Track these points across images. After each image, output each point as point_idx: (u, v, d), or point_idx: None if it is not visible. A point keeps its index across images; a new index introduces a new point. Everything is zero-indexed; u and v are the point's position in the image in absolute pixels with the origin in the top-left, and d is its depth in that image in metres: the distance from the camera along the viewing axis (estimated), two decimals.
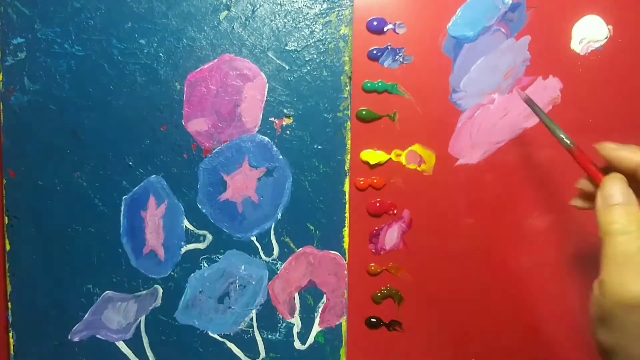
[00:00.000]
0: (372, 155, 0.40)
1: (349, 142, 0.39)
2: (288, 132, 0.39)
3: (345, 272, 0.40)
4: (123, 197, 0.39)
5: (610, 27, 0.39)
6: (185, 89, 0.38)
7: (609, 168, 0.28)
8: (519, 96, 0.35)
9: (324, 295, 0.40)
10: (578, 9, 0.39)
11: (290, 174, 0.39)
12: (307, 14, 0.38)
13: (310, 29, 0.38)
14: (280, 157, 0.39)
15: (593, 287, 0.28)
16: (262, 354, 0.41)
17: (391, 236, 0.41)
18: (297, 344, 0.41)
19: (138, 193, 0.40)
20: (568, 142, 0.30)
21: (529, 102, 0.34)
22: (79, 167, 0.39)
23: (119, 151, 0.39)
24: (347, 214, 0.39)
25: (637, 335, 0.26)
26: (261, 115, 0.39)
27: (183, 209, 0.40)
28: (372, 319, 0.41)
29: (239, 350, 0.41)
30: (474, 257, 0.41)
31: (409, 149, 0.40)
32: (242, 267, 0.40)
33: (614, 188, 0.27)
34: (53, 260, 0.40)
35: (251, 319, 0.40)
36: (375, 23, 0.39)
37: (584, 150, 0.29)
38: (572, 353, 0.43)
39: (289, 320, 0.41)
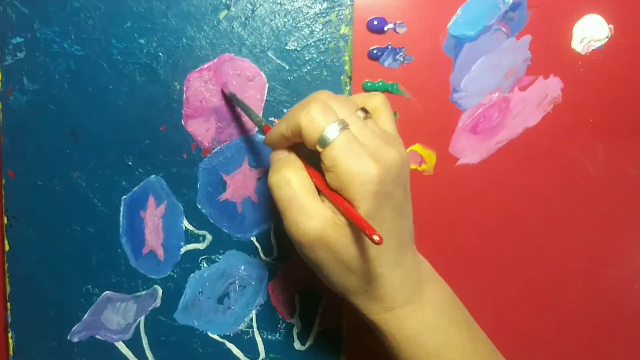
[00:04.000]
0: None
1: None
2: None
3: None
4: (122, 197, 0.39)
5: (611, 26, 0.39)
6: (184, 88, 0.38)
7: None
8: (225, 91, 0.38)
9: (324, 296, 0.40)
10: (579, 8, 0.39)
11: None
12: (307, 13, 0.38)
13: (310, 29, 0.38)
14: None
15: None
16: (262, 354, 0.41)
17: None
18: (297, 345, 0.41)
19: (137, 193, 0.39)
20: (262, 123, 0.33)
21: (233, 97, 0.37)
22: (78, 167, 0.39)
23: (118, 151, 0.39)
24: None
25: (336, 267, 0.28)
26: (261, 115, 0.39)
27: (183, 209, 0.39)
28: None
29: (238, 350, 0.41)
30: (475, 256, 0.41)
31: (410, 148, 0.40)
32: (242, 268, 0.40)
33: (274, 150, 0.30)
34: (52, 260, 0.40)
35: (251, 320, 0.40)
36: (375, 22, 0.39)
37: None
38: (572, 354, 0.43)
39: (288, 321, 0.40)
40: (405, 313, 0.30)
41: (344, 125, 0.27)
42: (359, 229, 0.27)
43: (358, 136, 0.27)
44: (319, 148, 0.27)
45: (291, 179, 0.28)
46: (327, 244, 0.27)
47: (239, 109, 0.38)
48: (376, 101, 0.31)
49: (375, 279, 0.29)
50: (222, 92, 0.38)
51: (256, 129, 0.39)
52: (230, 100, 0.38)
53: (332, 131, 0.26)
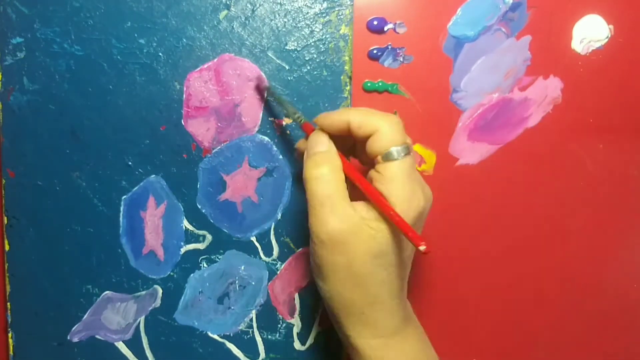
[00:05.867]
0: None
1: None
2: (288, 132, 0.39)
3: None
4: (122, 197, 0.39)
5: (611, 26, 0.39)
6: (184, 88, 0.38)
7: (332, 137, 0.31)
8: (260, 85, 0.37)
9: None
10: (579, 8, 0.39)
11: (290, 174, 0.39)
12: (307, 13, 0.38)
13: (310, 29, 0.38)
14: (280, 157, 0.39)
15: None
16: (262, 354, 0.41)
17: None
18: (297, 345, 0.41)
19: (137, 193, 0.39)
20: (301, 120, 0.33)
21: (269, 89, 0.37)
22: (78, 167, 0.39)
23: (118, 151, 0.39)
24: None
25: (345, 276, 0.28)
26: (261, 115, 0.39)
27: (182, 209, 0.39)
28: None
29: (238, 350, 0.41)
30: (474, 256, 0.41)
31: None
32: (242, 268, 0.40)
33: (315, 139, 0.30)
34: (52, 260, 0.40)
35: (251, 320, 0.40)
36: (375, 22, 0.39)
37: None
38: (572, 354, 0.43)
39: (288, 321, 0.40)
40: (391, 342, 0.30)
41: (410, 151, 0.28)
42: (403, 235, 0.27)
43: (414, 165, 0.29)
44: (380, 159, 0.28)
45: (330, 178, 0.28)
46: (348, 250, 0.28)
47: (267, 102, 0.38)
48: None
49: (376, 302, 0.29)
50: (257, 85, 0.38)
51: (257, 129, 0.39)
52: (262, 92, 0.37)
53: (400, 151, 0.28)
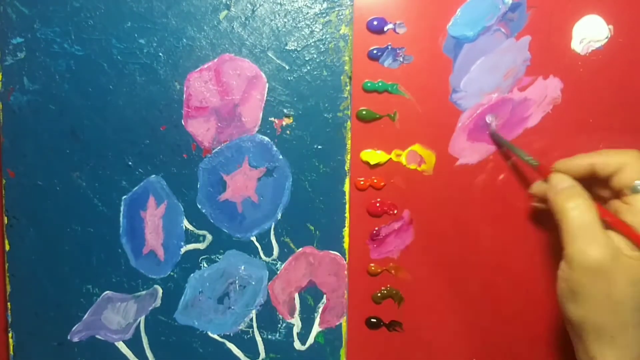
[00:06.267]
0: (372, 155, 0.40)
1: (349, 142, 0.39)
2: (288, 132, 0.39)
3: (345, 272, 0.40)
4: (122, 197, 0.39)
5: (611, 26, 0.39)
6: (184, 88, 0.38)
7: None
8: (488, 128, 0.40)
9: (324, 296, 0.40)
10: (578, 8, 0.39)
11: (290, 174, 0.39)
12: (307, 13, 0.38)
13: (310, 29, 0.38)
14: (280, 157, 0.39)
15: (560, 266, 0.31)
16: (262, 354, 0.41)
17: (391, 236, 0.41)
18: (297, 345, 0.41)
19: (137, 193, 0.39)
20: (534, 162, 0.36)
21: (495, 135, 0.39)
22: (78, 167, 0.39)
23: (118, 151, 0.39)
24: (347, 214, 0.39)
25: (602, 302, 0.29)
26: (261, 115, 0.39)
27: (183, 209, 0.40)
28: (372, 319, 0.41)
29: (238, 350, 0.41)
30: (474, 257, 0.41)
31: (409, 148, 0.40)
32: (242, 268, 0.40)
33: (559, 177, 0.33)
34: (52, 260, 0.40)
35: (251, 320, 0.40)
36: (375, 23, 0.39)
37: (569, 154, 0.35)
38: (572, 354, 0.43)
39: (289, 321, 0.40)
40: None
41: None
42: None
43: None
44: (628, 191, 0.30)
45: (587, 208, 0.30)
46: (609, 277, 0.29)
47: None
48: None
49: (630, 327, 0.30)
50: (490, 133, 0.40)
51: (257, 129, 0.39)
52: (496, 138, 0.40)
53: None
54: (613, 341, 0.30)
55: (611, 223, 0.31)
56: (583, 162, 0.33)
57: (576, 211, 0.30)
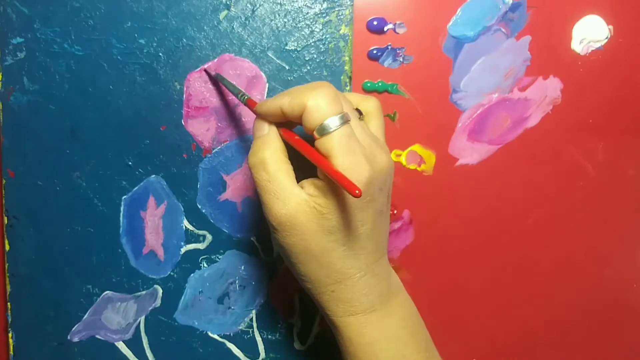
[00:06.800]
0: None
1: None
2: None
3: None
4: (123, 197, 0.39)
5: (611, 27, 0.39)
6: (185, 88, 0.38)
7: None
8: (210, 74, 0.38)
9: None
10: (578, 8, 0.39)
11: None
12: (307, 13, 0.38)
13: (310, 29, 0.38)
14: None
15: None
16: (262, 354, 0.41)
17: (391, 236, 0.41)
18: (297, 345, 0.41)
19: (138, 193, 0.39)
20: (244, 97, 0.33)
21: (218, 76, 0.37)
22: (78, 167, 0.39)
23: (118, 151, 0.39)
24: None
25: (304, 258, 0.28)
26: None
27: (183, 209, 0.40)
28: None
29: (238, 350, 0.41)
30: (475, 257, 0.41)
31: (409, 149, 0.40)
32: (242, 268, 0.40)
33: (255, 125, 0.30)
34: (52, 260, 0.40)
35: (251, 320, 0.40)
36: (375, 23, 0.39)
37: None
38: (572, 354, 0.43)
39: (288, 321, 0.40)
40: (367, 320, 0.30)
41: (346, 120, 0.27)
42: (338, 188, 0.26)
43: (356, 134, 0.27)
44: (315, 134, 0.27)
45: (269, 162, 0.28)
46: (298, 230, 0.27)
47: (223, 87, 0.38)
48: (371, 105, 0.31)
49: (344, 279, 0.29)
50: (207, 72, 0.38)
51: None
52: (215, 81, 0.38)
53: (334, 122, 0.26)
54: (335, 295, 0.29)
55: (307, 156, 0.27)
56: (274, 104, 0.28)
57: (259, 167, 0.28)
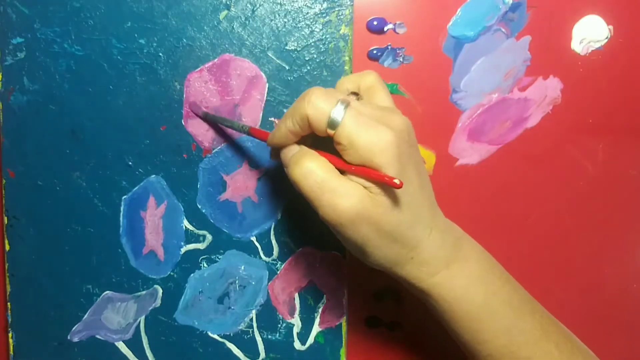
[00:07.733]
0: None
1: None
2: None
3: (345, 272, 0.40)
4: (123, 197, 0.39)
5: (611, 27, 0.39)
6: (185, 88, 0.38)
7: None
8: (199, 113, 0.38)
9: (324, 296, 0.40)
10: (578, 9, 0.39)
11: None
12: (307, 13, 0.38)
13: (310, 29, 0.38)
14: None
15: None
16: (262, 354, 0.41)
17: None
18: (297, 344, 0.41)
19: (138, 193, 0.39)
20: (245, 128, 0.34)
21: (207, 115, 0.38)
22: (78, 167, 0.39)
23: (118, 151, 0.39)
24: None
25: (380, 242, 0.29)
26: (261, 115, 0.39)
27: (183, 209, 0.40)
28: (372, 319, 0.41)
29: (238, 350, 0.41)
30: None
31: None
32: (242, 268, 0.40)
33: (284, 151, 0.31)
34: (52, 260, 0.40)
35: (251, 320, 0.40)
36: (375, 23, 0.39)
37: None
38: None
39: (289, 321, 0.40)
40: (451, 273, 0.31)
41: (347, 103, 0.28)
42: (384, 185, 0.28)
43: (361, 111, 0.28)
44: (330, 131, 0.28)
45: (314, 167, 0.28)
46: (368, 219, 0.28)
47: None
48: (370, 80, 0.32)
49: (418, 243, 0.30)
50: (193, 111, 0.38)
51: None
52: (207, 119, 0.38)
53: (338, 111, 0.27)
54: (415, 261, 0.30)
55: (342, 168, 0.28)
56: (282, 131, 0.29)
57: (306, 176, 0.28)
